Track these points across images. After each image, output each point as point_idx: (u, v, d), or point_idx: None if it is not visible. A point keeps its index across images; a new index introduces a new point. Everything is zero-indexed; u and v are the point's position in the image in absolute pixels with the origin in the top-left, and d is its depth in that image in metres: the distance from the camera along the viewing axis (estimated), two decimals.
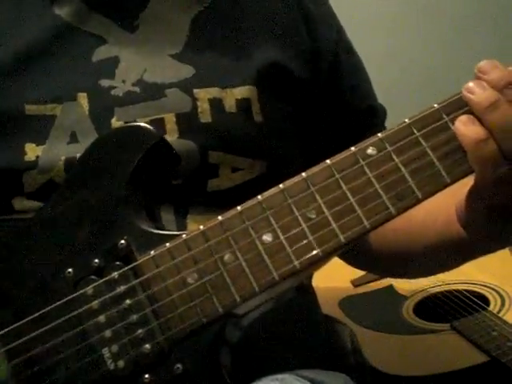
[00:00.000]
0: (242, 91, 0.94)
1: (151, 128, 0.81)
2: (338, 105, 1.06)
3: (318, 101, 1.03)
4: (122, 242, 0.75)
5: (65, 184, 0.82)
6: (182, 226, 0.89)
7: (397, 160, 0.71)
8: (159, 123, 0.90)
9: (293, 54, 1.00)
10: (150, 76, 0.94)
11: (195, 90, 0.93)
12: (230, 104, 0.94)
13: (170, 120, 0.91)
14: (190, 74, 0.94)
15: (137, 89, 0.92)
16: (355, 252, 1.09)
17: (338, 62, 1.05)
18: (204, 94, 0.93)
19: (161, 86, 0.93)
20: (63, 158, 0.88)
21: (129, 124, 0.87)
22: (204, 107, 0.92)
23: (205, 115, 0.92)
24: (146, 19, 0.97)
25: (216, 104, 0.93)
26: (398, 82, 2.17)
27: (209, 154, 0.91)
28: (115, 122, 0.90)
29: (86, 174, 0.81)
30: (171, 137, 0.90)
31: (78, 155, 0.87)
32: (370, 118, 1.08)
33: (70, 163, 0.88)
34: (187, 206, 0.90)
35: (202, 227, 0.73)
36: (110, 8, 0.96)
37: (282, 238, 0.71)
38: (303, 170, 0.84)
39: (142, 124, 0.82)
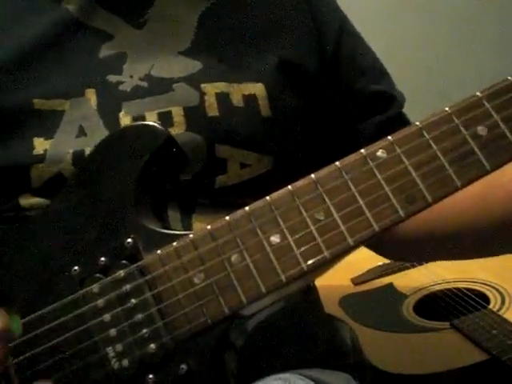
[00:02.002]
0: (249, 87, 0.94)
1: (160, 127, 0.80)
2: (343, 91, 1.04)
3: (326, 91, 1.02)
4: (129, 240, 0.75)
5: (72, 182, 0.82)
6: (187, 224, 0.88)
7: (407, 163, 0.70)
8: (167, 116, 0.90)
9: (301, 48, 1.00)
10: (158, 71, 0.93)
11: (202, 85, 0.93)
12: (237, 98, 0.94)
13: (178, 113, 0.91)
14: (197, 69, 0.94)
15: (144, 83, 0.92)
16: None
17: (341, 51, 1.04)
18: (211, 88, 0.93)
19: (168, 80, 0.93)
20: (71, 151, 0.88)
21: (137, 123, 0.86)
22: (211, 101, 0.92)
23: (212, 109, 0.92)
24: (153, 16, 0.97)
25: (223, 98, 0.93)
26: (397, 81, 2.16)
27: (215, 148, 0.91)
28: (123, 117, 0.90)
29: (94, 173, 0.80)
30: (178, 130, 0.90)
31: (86, 148, 0.87)
32: (378, 102, 1.06)
33: (77, 156, 0.88)
34: (194, 204, 0.90)
35: (209, 227, 0.72)
36: (118, 4, 0.96)
37: (289, 239, 0.70)
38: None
39: (151, 123, 0.81)
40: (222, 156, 0.92)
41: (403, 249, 1.06)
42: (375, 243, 1.09)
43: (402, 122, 1.05)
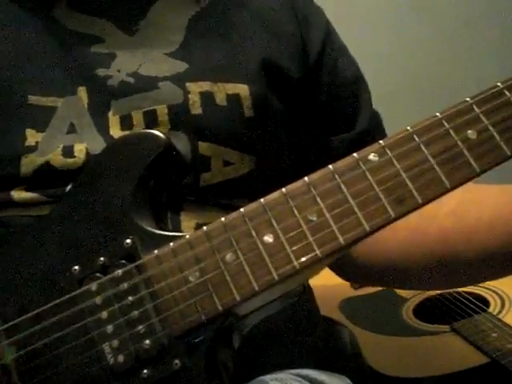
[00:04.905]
0: (233, 87, 0.97)
1: (161, 134, 0.82)
2: (322, 102, 1.08)
3: (307, 99, 1.06)
4: (128, 241, 0.77)
5: (75, 185, 0.84)
6: (175, 223, 0.91)
7: (398, 166, 0.72)
8: (152, 115, 0.93)
9: (286, 53, 1.03)
10: (145, 70, 0.96)
11: (187, 84, 0.95)
12: (220, 98, 0.96)
13: (162, 112, 0.93)
14: (184, 69, 0.97)
15: (131, 79, 0.95)
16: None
17: (323, 62, 1.07)
18: (196, 87, 0.96)
19: (154, 78, 0.95)
20: (61, 145, 0.91)
21: (140, 130, 0.90)
22: (195, 99, 0.95)
23: (195, 107, 0.95)
24: (145, 25, 1.00)
25: (207, 97, 0.96)
26: (397, 84, 2.17)
27: (199, 145, 0.93)
28: (111, 116, 0.93)
29: (96, 176, 0.82)
30: (163, 128, 0.92)
31: (76, 144, 0.91)
32: (347, 120, 1.09)
33: (67, 150, 0.91)
34: (181, 203, 0.92)
35: (205, 228, 0.74)
36: (112, 13, 0.99)
37: (282, 238, 0.72)
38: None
39: (153, 131, 0.83)
40: (205, 154, 0.94)
41: (359, 274, 1.13)
42: (337, 266, 1.14)
43: (370, 139, 1.08)
